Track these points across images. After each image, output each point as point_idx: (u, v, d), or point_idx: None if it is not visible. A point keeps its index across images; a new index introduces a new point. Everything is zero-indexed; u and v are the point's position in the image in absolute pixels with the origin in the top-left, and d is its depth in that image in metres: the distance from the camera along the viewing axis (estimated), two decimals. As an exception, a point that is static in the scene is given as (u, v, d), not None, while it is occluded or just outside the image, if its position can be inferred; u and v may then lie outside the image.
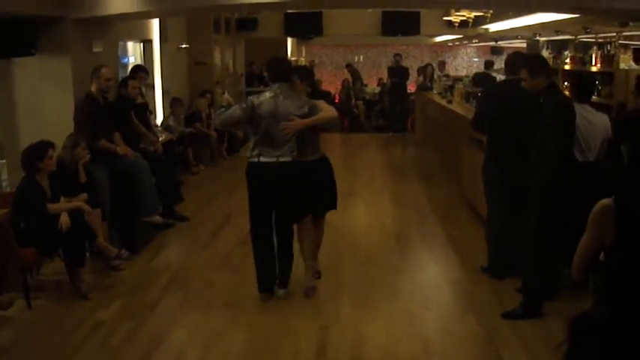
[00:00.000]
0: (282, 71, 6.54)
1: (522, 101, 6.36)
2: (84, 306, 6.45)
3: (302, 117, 6.33)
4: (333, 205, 6.98)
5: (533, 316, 5.99)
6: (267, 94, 6.37)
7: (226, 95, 5.98)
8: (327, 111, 6.55)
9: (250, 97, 6.50)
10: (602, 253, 2.99)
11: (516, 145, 6.40)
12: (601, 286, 2.99)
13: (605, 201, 2.92)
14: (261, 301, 6.41)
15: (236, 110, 6.47)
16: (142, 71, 9.95)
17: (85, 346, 5.60)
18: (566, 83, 11.66)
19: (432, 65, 19.97)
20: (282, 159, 6.29)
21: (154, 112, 12.26)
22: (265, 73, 6.67)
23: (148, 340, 5.70)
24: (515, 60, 6.96)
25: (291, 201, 6.46)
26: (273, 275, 6.57)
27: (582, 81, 6.81)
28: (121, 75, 9.98)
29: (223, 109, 6.95)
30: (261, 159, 6.31)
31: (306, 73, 7.15)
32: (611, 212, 2.87)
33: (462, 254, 7.86)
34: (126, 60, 11.82)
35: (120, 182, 8.03)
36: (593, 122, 6.16)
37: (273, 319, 5.97)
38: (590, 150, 6.06)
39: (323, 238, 7.07)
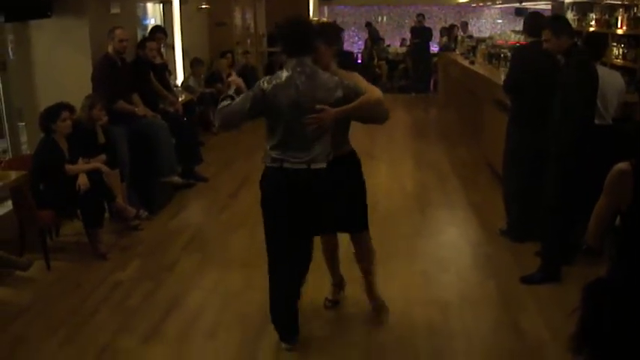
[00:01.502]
0: (301, 40, 4.58)
1: (545, 64, 6.27)
2: (102, 266, 6.50)
3: (335, 104, 4.57)
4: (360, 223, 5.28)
5: (551, 281, 5.95)
6: (283, 75, 4.54)
7: (234, 76, 4.32)
8: (371, 92, 4.77)
9: (260, 82, 4.59)
10: (617, 219, 2.94)
11: (540, 109, 6.31)
12: (616, 251, 2.95)
13: (622, 165, 2.86)
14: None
15: (244, 104, 4.56)
16: (161, 32, 9.93)
17: (104, 306, 5.66)
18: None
19: (456, 26, 19.79)
20: (314, 165, 4.62)
21: (174, 73, 12.24)
22: (279, 45, 4.97)
23: (166, 301, 5.74)
24: (533, 22, 6.82)
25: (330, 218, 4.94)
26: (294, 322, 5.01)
27: (593, 39, 6.69)
28: (141, 36, 9.95)
29: (228, 102, 4.66)
30: (285, 165, 4.61)
31: (333, 34, 5.02)
32: (629, 176, 2.81)
33: (481, 217, 7.83)
34: (146, 21, 11.78)
35: (139, 143, 8.04)
36: (609, 82, 6.01)
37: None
38: (607, 112, 5.95)
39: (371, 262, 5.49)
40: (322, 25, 5.68)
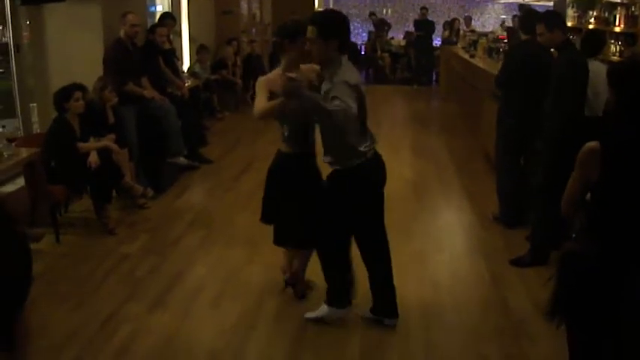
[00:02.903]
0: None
1: (538, 63, 6.53)
2: (110, 240, 6.76)
3: None
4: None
5: (539, 264, 6.22)
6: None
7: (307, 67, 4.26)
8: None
9: (345, 78, 4.28)
10: (588, 194, 3.21)
11: (530, 101, 6.58)
12: (587, 222, 3.22)
13: (591, 143, 3.13)
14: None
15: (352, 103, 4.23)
16: (170, 19, 10.23)
17: (111, 277, 5.92)
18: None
19: (458, 20, 20.01)
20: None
21: (180, 59, 12.49)
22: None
23: (171, 274, 6.01)
24: (527, 19, 7.05)
25: None
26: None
27: (591, 36, 6.93)
28: (149, 23, 10.20)
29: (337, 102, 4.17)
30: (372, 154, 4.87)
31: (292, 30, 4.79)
32: (597, 153, 3.08)
33: (476, 203, 8.11)
34: (153, 8, 12.01)
35: (148, 124, 8.34)
36: (599, 76, 6.23)
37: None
38: (597, 104, 6.19)
39: None
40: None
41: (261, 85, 4.74)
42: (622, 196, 2.80)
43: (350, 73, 4.39)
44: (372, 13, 23.37)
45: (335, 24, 4.44)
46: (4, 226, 0.77)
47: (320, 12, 5.23)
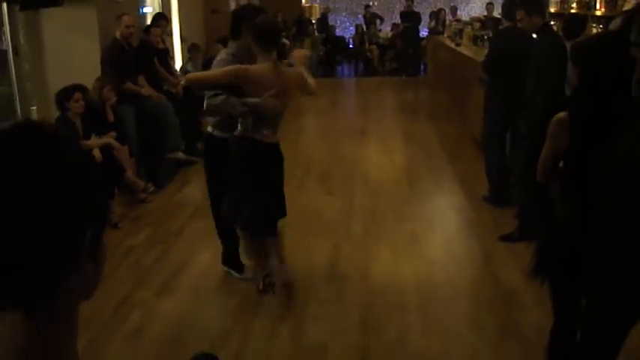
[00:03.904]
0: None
1: (520, 47, 6.82)
2: (115, 234, 6.99)
3: None
4: None
5: (528, 239, 6.49)
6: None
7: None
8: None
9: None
10: (561, 162, 3.50)
11: (515, 84, 6.86)
12: (560, 189, 3.50)
13: (560, 115, 3.42)
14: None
15: None
16: (163, 19, 10.48)
17: (120, 267, 6.18)
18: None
19: (444, 10, 20.28)
20: None
21: (173, 58, 12.73)
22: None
23: (177, 261, 6.30)
24: (508, 6, 7.35)
25: None
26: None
27: (572, 20, 7.23)
28: (141, 24, 10.45)
29: None
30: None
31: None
32: (565, 124, 3.37)
33: (466, 186, 8.39)
34: (143, 9, 12.20)
35: (147, 122, 8.61)
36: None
37: (290, 240, 6.48)
38: (577, 84, 6.47)
39: None
40: None
41: (232, 69, 5.07)
42: (589, 164, 3.07)
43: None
44: (367, 6, 23.59)
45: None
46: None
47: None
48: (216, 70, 5.20)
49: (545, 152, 3.54)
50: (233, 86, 5.02)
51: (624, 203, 2.79)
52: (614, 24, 4.31)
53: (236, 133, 5.13)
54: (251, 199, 5.17)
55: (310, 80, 5.37)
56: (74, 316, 1.11)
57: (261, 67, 5.06)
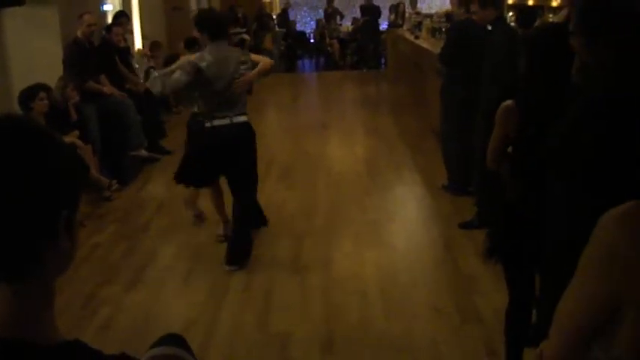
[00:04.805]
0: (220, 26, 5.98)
1: (476, 38, 6.99)
2: (81, 232, 6.98)
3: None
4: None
5: (486, 226, 6.66)
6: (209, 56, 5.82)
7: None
8: (264, 61, 6.34)
9: (193, 60, 5.84)
10: (510, 148, 3.66)
11: (470, 74, 7.02)
12: (510, 172, 3.66)
13: (507, 102, 3.58)
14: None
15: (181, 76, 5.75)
16: (124, 17, 10.53)
17: (87, 264, 6.24)
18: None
19: (403, 3, 20.44)
20: (236, 120, 5.93)
21: (134, 56, 12.78)
22: (199, 33, 6.00)
23: (143, 256, 6.40)
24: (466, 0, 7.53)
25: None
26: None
27: (525, 11, 7.43)
28: (102, 22, 10.50)
29: (156, 73, 6.40)
30: (215, 122, 5.92)
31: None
32: (513, 111, 3.53)
33: (425, 176, 8.54)
34: (103, 7, 12.22)
35: (109, 120, 8.70)
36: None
37: (253, 232, 6.59)
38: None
39: None
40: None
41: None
42: (535, 148, 3.22)
43: (203, 55, 5.80)
44: (330, 0, 23.68)
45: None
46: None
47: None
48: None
49: (494, 138, 3.71)
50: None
51: (569, 185, 2.94)
52: (559, 16, 4.49)
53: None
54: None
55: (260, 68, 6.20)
56: (51, 289, 1.24)
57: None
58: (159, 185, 8.80)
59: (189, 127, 7.05)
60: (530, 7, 9.84)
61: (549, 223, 3.04)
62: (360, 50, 20.62)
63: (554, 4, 11.86)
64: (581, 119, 2.74)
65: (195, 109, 6.68)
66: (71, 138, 7.48)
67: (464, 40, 7.27)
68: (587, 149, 2.64)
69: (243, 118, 5.96)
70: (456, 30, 7.72)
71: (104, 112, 8.64)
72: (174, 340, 1.66)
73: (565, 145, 2.77)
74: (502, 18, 6.93)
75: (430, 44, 12.21)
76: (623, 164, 2.54)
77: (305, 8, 25.97)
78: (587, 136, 2.64)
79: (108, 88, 8.88)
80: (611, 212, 1.64)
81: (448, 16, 14.63)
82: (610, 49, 2.68)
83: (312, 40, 22.81)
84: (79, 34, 8.51)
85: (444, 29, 12.41)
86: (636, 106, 2.52)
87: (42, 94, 7.27)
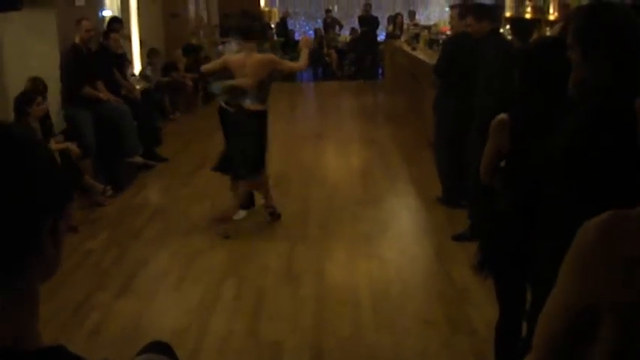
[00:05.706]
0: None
1: (471, 52, 7.00)
2: (74, 237, 6.99)
3: None
4: None
5: (479, 238, 6.66)
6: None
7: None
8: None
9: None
10: (503, 161, 3.66)
11: (465, 87, 7.03)
12: (502, 186, 3.66)
13: (501, 116, 3.58)
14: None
15: None
16: (118, 22, 10.54)
17: (79, 270, 6.23)
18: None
19: (401, 14, 20.50)
20: None
21: (132, 62, 12.78)
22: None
23: (135, 263, 6.38)
24: (461, 12, 7.55)
25: None
26: None
27: (520, 24, 7.45)
28: (100, 28, 10.50)
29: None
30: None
31: None
32: (506, 125, 3.53)
33: (420, 188, 8.53)
34: (102, 13, 12.22)
35: (105, 126, 8.69)
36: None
37: (246, 241, 6.64)
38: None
39: None
40: None
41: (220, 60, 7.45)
42: (529, 165, 3.23)
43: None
44: (327, 10, 23.74)
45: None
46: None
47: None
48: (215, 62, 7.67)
49: (487, 152, 3.71)
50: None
51: (564, 197, 2.94)
52: (554, 30, 4.49)
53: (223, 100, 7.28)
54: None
55: (290, 64, 8.04)
56: (34, 295, 1.23)
57: (237, 56, 7.06)
58: (153, 192, 8.80)
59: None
60: (527, 20, 9.86)
61: (543, 235, 3.05)
62: (358, 61, 20.64)
63: (552, 17, 11.89)
64: (578, 130, 2.75)
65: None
66: (66, 143, 7.48)
67: (458, 53, 7.28)
68: (582, 160, 2.65)
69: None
70: (451, 43, 7.75)
71: (100, 118, 8.64)
72: (160, 347, 1.65)
73: (563, 155, 2.78)
74: (496, 30, 6.93)
75: (427, 56, 12.25)
76: (617, 176, 2.55)
77: (303, 18, 26.02)
78: (583, 147, 2.65)
79: (104, 94, 8.89)
80: (590, 222, 1.65)
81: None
82: (608, 62, 2.69)
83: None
84: (77, 39, 8.53)
85: (440, 41, 12.43)
86: (631, 118, 2.53)
87: (39, 99, 7.26)
